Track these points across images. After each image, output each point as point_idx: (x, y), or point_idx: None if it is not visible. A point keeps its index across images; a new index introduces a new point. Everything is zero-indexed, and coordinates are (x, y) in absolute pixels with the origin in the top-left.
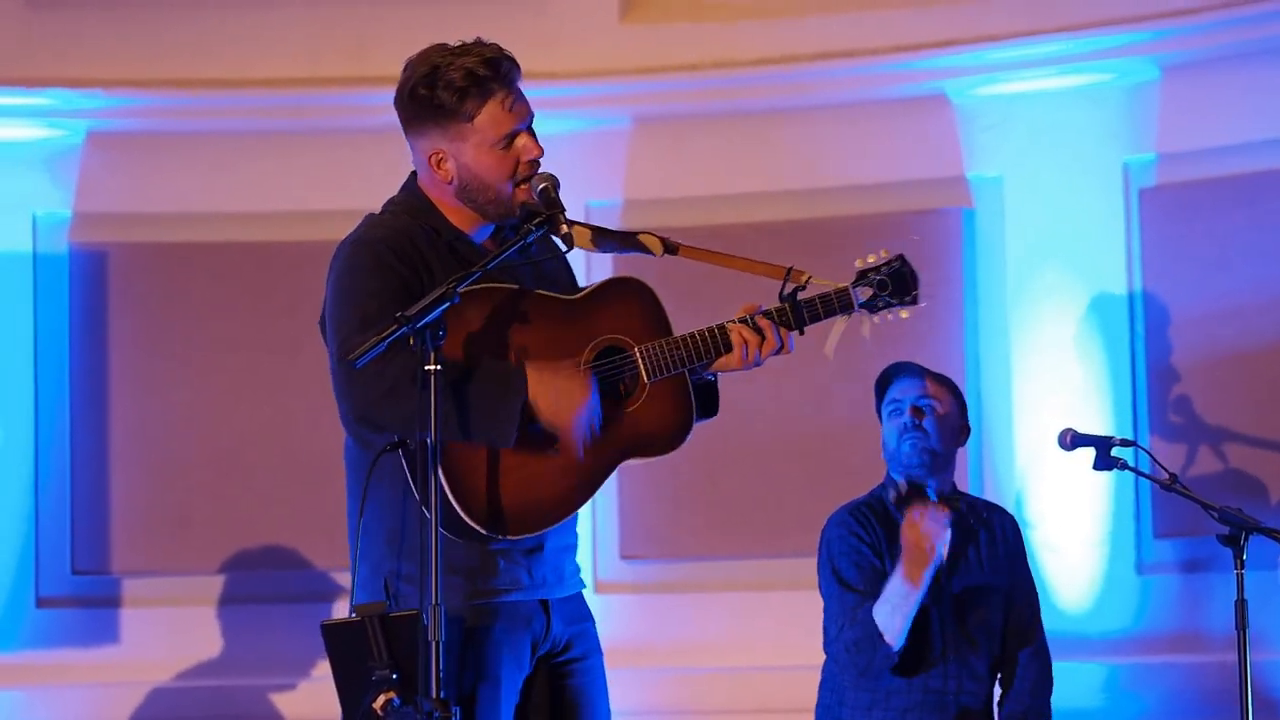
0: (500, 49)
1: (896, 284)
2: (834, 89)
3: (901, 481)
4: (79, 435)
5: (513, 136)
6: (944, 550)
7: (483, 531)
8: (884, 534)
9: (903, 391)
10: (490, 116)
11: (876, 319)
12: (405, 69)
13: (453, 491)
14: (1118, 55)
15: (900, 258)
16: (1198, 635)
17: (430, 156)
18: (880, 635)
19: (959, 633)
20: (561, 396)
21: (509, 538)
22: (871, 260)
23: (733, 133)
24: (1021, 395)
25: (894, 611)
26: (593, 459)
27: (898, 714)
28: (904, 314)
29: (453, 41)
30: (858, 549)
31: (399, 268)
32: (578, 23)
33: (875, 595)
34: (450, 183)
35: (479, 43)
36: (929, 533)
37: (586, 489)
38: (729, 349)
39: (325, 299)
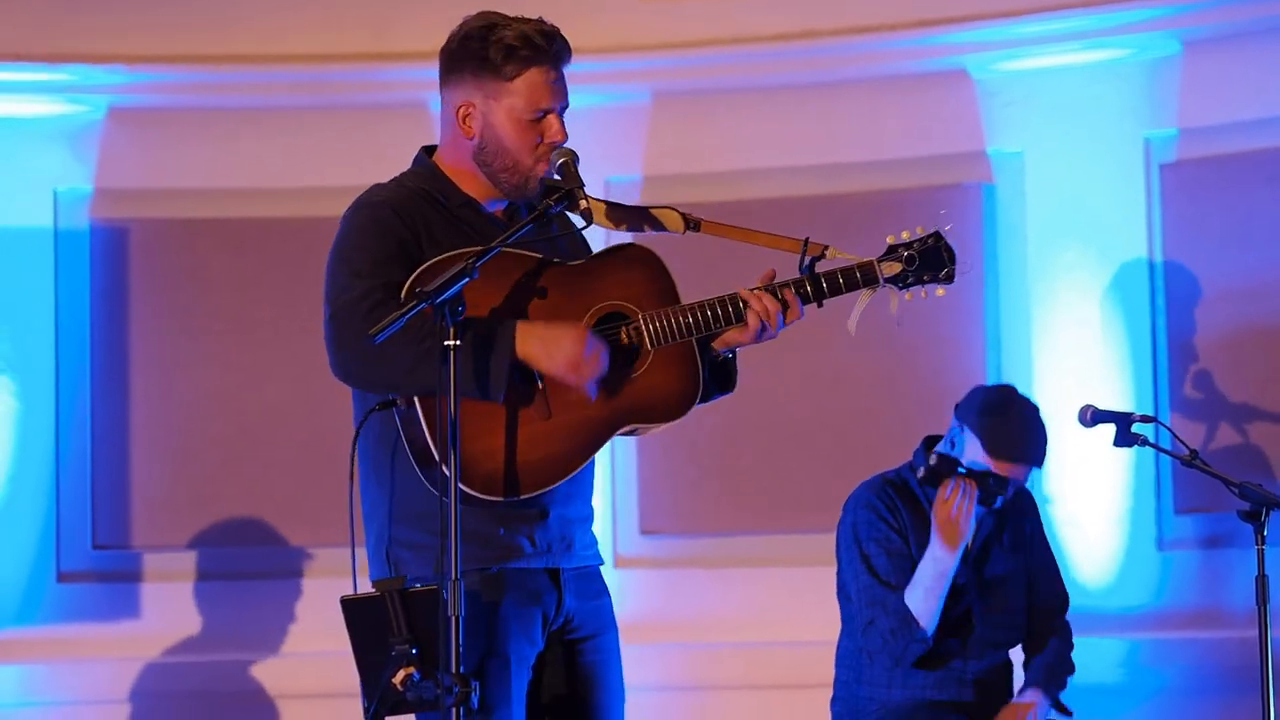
0: (558, 29)
1: (928, 260)
2: (854, 64)
3: (932, 457)
4: (100, 410)
5: (545, 113)
6: (972, 528)
7: (480, 496)
8: (909, 516)
9: (1012, 472)
10: (529, 84)
11: (908, 296)
12: (461, 23)
13: (448, 459)
14: (1138, 30)
15: (936, 234)
16: (1218, 611)
17: (459, 109)
18: (915, 621)
19: (983, 616)
20: (552, 346)
21: (506, 499)
22: (905, 236)
23: (753, 108)
24: (1042, 371)
25: (926, 594)
26: (591, 421)
27: (917, 690)
28: (940, 291)
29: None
30: (887, 535)
31: (398, 228)
32: None
33: (904, 586)
34: (471, 139)
35: (539, 18)
36: (960, 509)
37: (584, 451)
38: (740, 319)
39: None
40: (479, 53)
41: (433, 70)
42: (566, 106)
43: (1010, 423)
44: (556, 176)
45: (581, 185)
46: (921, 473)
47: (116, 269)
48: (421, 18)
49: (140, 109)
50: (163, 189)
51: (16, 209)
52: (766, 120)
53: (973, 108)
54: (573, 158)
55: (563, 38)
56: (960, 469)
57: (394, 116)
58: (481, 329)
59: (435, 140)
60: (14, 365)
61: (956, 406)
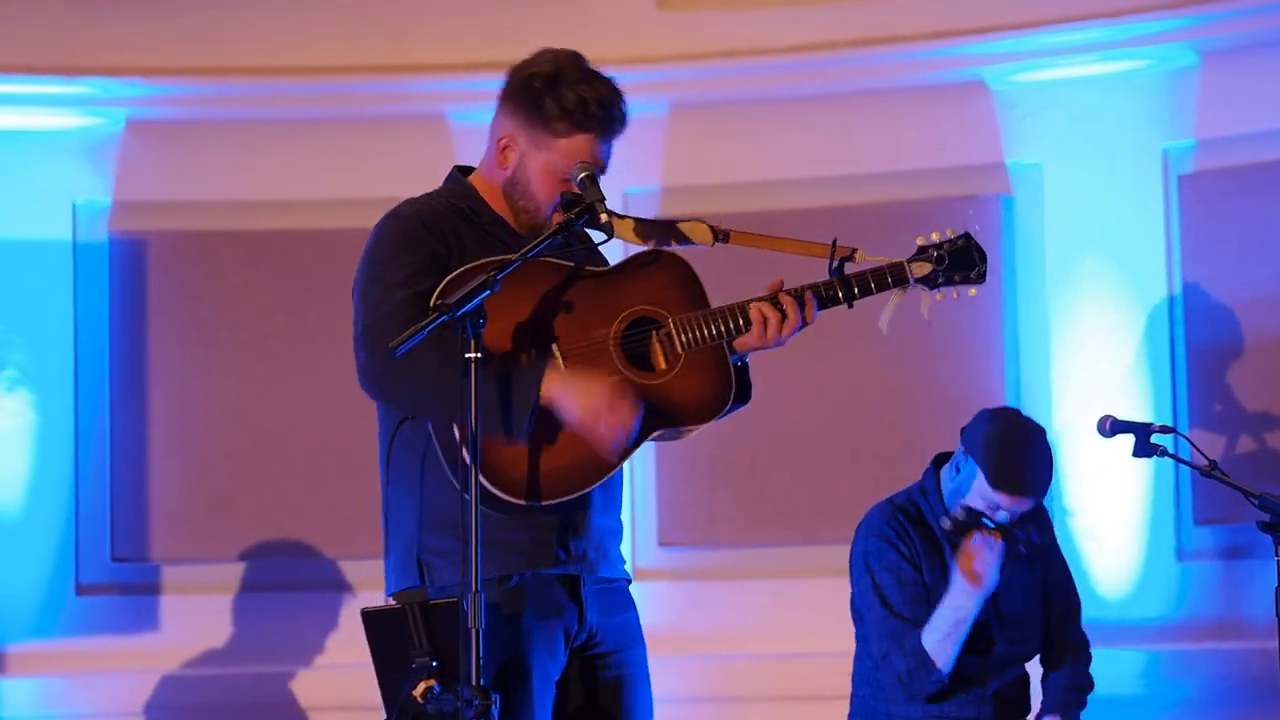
0: (623, 98)
1: (958, 260)
2: (872, 75)
3: (958, 510)
4: (119, 423)
5: None
6: (996, 580)
7: (512, 501)
8: (921, 543)
9: (1013, 504)
10: (573, 147)
11: (939, 296)
12: (538, 53)
13: (480, 464)
14: (1156, 41)
15: (966, 235)
16: (1238, 622)
17: (502, 139)
18: (932, 663)
19: (1002, 634)
20: (579, 392)
21: (538, 505)
22: (935, 237)
23: (770, 119)
24: (1060, 382)
25: (945, 639)
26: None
27: (936, 707)
28: (971, 292)
29: (589, 59)
30: (898, 564)
31: (430, 241)
32: (616, 9)
33: (919, 619)
34: (505, 170)
35: (610, 80)
36: (984, 564)
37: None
38: (747, 327)
39: (356, 272)
40: (537, 100)
41: (449, 82)
42: (604, 172)
43: (1012, 454)
44: (577, 190)
45: (602, 199)
46: (947, 525)
47: (135, 281)
48: (439, 29)
49: (158, 121)
50: (181, 201)
51: (35, 221)
52: (784, 131)
53: (991, 119)
54: (593, 172)
55: (621, 109)
56: (987, 522)
57: (411, 128)
58: (510, 369)
59: (453, 150)
60: (33, 378)
61: (963, 430)
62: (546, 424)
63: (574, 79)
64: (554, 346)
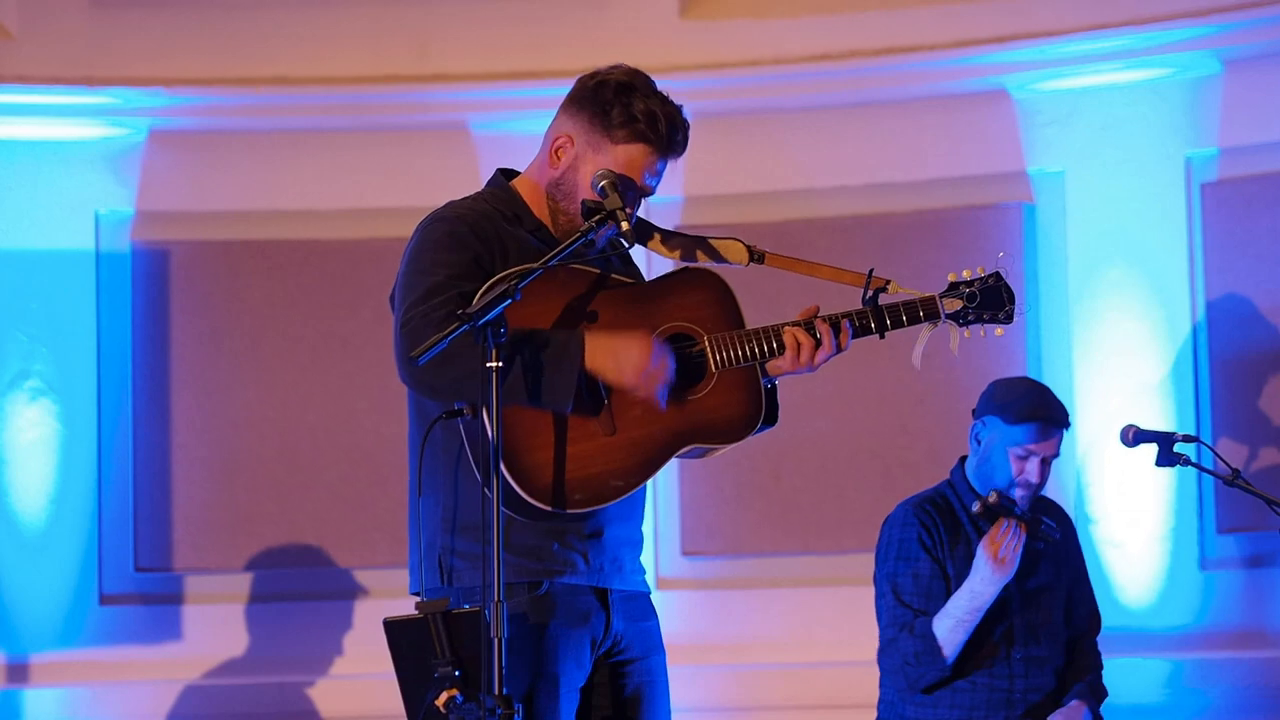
0: (688, 126)
1: (988, 299)
2: (895, 84)
3: (990, 494)
4: (141, 433)
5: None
6: (1016, 567)
7: (540, 507)
8: (947, 534)
9: (1040, 443)
10: (628, 156)
11: (967, 333)
12: (614, 66)
13: (510, 468)
14: (1179, 49)
15: (996, 274)
16: (1261, 631)
17: (558, 139)
18: (939, 648)
19: (1026, 632)
20: (621, 355)
21: (566, 512)
22: (966, 275)
23: (793, 128)
24: (1083, 391)
25: (956, 626)
26: (654, 439)
27: (964, 711)
28: (998, 331)
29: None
30: (916, 557)
31: (474, 244)
32: (638, 19)
33: (927, 611)
34: (555, 170)
35: (679, 108)
36: (1007, 553)
37: (646, 468)
38: (781, 351)
39: (398, 273)
40: (604, 104)
41: (472, 91)
42: (650, 193)
43: (1025, 393)
44: (599, 198)
45: (623, 207)
46: (977, 508)
47: (157, 291)
48: (463, 39)
49: (181, 131)
50: (203, 211)
51: (58, 231)
52: (807, 141)
53: (1013, 127)
54: (613, 179)
55: (686, 135)
56: (1016, 510)
57: (435, 138)
58: (549, 340)
59: (476, 160)
60: (56, 388)
61: (973, 410)
62: (577, 429)
63: (647, 92)
64: None
